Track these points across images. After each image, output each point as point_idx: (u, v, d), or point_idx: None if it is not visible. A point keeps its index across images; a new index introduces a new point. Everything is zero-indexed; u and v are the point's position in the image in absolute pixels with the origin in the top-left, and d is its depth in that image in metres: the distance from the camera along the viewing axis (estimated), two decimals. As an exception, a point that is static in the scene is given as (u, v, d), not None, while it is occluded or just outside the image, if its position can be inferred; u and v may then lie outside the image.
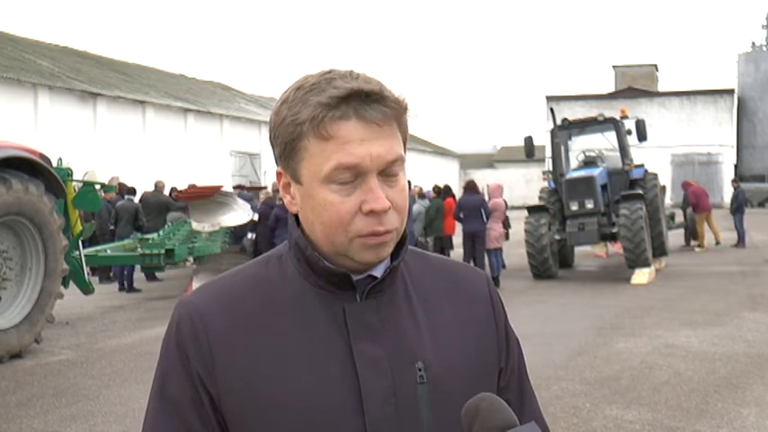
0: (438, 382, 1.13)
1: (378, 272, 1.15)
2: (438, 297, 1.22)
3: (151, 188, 16.37)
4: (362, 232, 1.09)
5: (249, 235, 14.09)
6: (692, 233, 19.83)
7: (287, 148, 1.11)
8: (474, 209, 13.27)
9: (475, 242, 13.36)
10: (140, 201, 15.25)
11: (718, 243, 19.66)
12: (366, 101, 1.07)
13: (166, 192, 17.36)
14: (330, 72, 1.11)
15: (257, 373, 1.10)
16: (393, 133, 1.10)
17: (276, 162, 1.16)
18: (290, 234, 1.18)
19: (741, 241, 20.01)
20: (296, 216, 1.18)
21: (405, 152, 1.14)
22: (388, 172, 1.09)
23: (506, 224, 15.53)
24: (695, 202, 19.23)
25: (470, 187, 13.70)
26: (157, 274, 14.94)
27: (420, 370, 1.13)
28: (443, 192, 16.00)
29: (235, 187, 18.95)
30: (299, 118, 1.08)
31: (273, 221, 13.05)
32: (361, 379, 1.10)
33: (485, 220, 13.29)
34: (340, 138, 1.07)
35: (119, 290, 13.53)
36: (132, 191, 15.18)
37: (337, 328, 1.12)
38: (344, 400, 1.09)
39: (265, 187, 18.51)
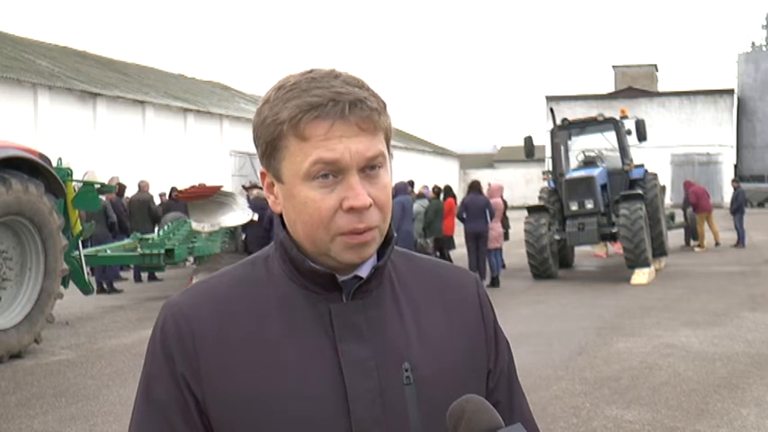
0: (425, 383, 1.13)
1: (364, 272, 1.14)
2: (426, 298, 1.21)
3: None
4: (343, 230, 1.08)
5: (242, 236, 14.08)
6: (692, 233, 19.83)
7: (268, 147, 1.11)
8: (479, 209, 13.27)
9: (479, 242, 13.37)
10: (129, 202, 15.27)
11: (717, 244, 19.64)
12: (345, 103, 1.07)
13: (167, 192, 17.36)
14: (311, 72, 1.12)
15: (242, 375, 1.09)
16: (373, 132, 1.09)
17: (260, 162, 1.17)
18: (276, 234, 1.18)
19: (741, 241, 20.02)
20: (281, 216, 1.18)
21: (389, 150, 1.14)
22: (369, 169, 1.09)
23: (505, 224, 15.52)
24: (696, 202, 19.25)
25: (475, 187, 13.70)
26: (157, 274, 14.92)
27: (407, 371, 1.12)
28: (444, 192, 15.98)
29: (249, 187, 18.88)
30: (279, 118, 1.08)
31: (268, 222, 13.03)
32: (347, 380, 1.09)
33: (489, 220, 13.30)
34: (319, 136, 1.07)
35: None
36: (121, 191, 15.21)
37: (323, 329, 1.12)
38: (331, 401, 1.09)
39: (261, 187, 18.47)
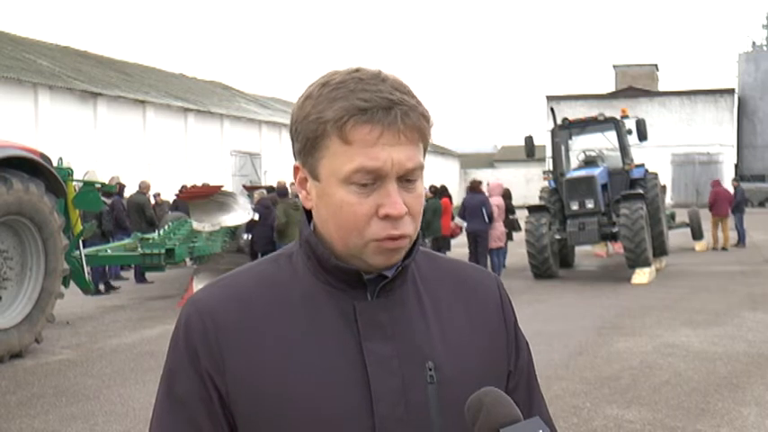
0: (448, 382, 1.13)
1: (389, 271, 1.14)
2: (448, 298, 1.21)
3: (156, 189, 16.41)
4: (378, 236, 1.08)
5: (245, 236, 14.07)
6: (693, 232, 19.77)
7: (308, 144, 1.11)
8: (475, 208, 13.27)
9: (477, 242, 13.37)
10: (127, 201, 15.30)
11: (724, 249, 19.56)
12: (396, 111, 1.06)
13: (161, 192, 17.32)
14: (358, 71, 1.11)
15: (266, 371, 1.09)
16: (416, 141, 1.09)
17: (294, 156, 1.16)
18: (301, 232, 1.18)
19: (741, 241, 20.02)
20: (307, 213, 1.18)
21: (424, 157, 1.14)
22: (406, 178, 1.09)
23: (509, 225, 15.34)
24: (712, 202, 19.40)
25: (473, 187, 13.74)
26: (147, 276, 14.87)
27: (430, 370, 1.13)
28: (439, 192, 15.98)
29: (250, 187, 18.75)
30: (324, 117, 1.07)
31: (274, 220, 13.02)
32: (372, 378, 1.09)
33: (486, 219, 13.28)
34: (363, 141, 1.06)
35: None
36: (121, 190, 15.25)
37: (347, 327, 1.12)
38: (354, 399, 1.09)
39: (260, 187, 18.49)
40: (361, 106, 1.05)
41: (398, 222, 1.08)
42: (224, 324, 1.11)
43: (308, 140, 1.10)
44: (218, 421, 1.10)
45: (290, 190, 13.86)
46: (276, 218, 12.49)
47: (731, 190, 21.13)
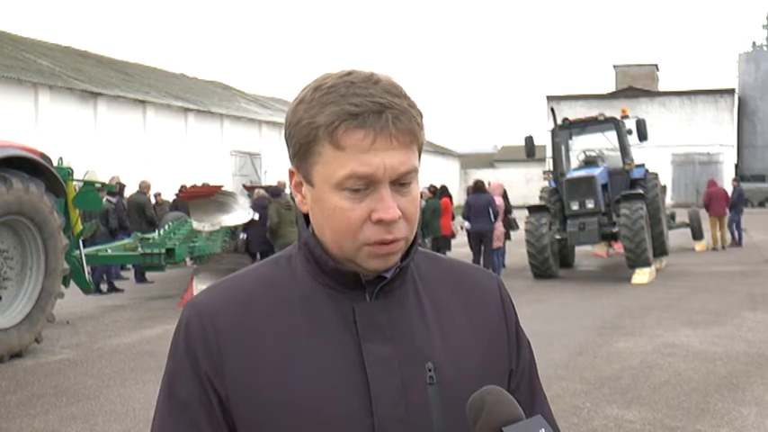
0: (448, 382, 1.13)
1: (387, 272, 1.14)
2: (448, 298, 1.21)
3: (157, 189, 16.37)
4: (371, 240, 1.08)
5: (242, 235, 14.07)
6: (693, 232, 19.80)
7: (301, 149, 1.10)
8: (481, 208, 13.28)
9: (482, 241, 13.37)
10: (127, 201, 15.33)
11: (723, 247, 19.59)
12: (387, 116, 1.06)
13: (162, 192, 17.26)
14: (350, 74, 1.10)
15: (266, 373, 1.09)
16: (408, 144, 1.09)
17: (290, 160, 1.16)
18: (300, 234, 1.18)
19: (735, 240, 20.08)
20: (305, 216, 1.18)
21: (419, 159, 1.13)
22: (400, 182, 1.09)
23: (508, 224, 15.37)
24: (706, 202, 19.48)
25: (478, 187, 13.74)
26: (147, 276, 14.87)
27: (430, 371, 1.12)
28: (439, 191, 15.97)
29: (250, 187, 18.71)
30: (316, 122, 1.07)
31: None
32: (371, 379, 1.09)
33: (492, 219, 13.29)
34: (355, 147, 1.05)
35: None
36: (121, 190, 15.27)
37: (347, 328, 1.12)
38: (354, 400, 1.09)
39: (259, 187, 18.48)
40: (352, 111, 1.05)
41: (392, 226, 1.08)
42: (224, 327, 1.11)
43: (301, 146, 1.10)
44: (218, 425, 1.10)
45: (287, 191, 13.86)
46: (269, 218, 12.49)
47: (729, 189, 21.14)
